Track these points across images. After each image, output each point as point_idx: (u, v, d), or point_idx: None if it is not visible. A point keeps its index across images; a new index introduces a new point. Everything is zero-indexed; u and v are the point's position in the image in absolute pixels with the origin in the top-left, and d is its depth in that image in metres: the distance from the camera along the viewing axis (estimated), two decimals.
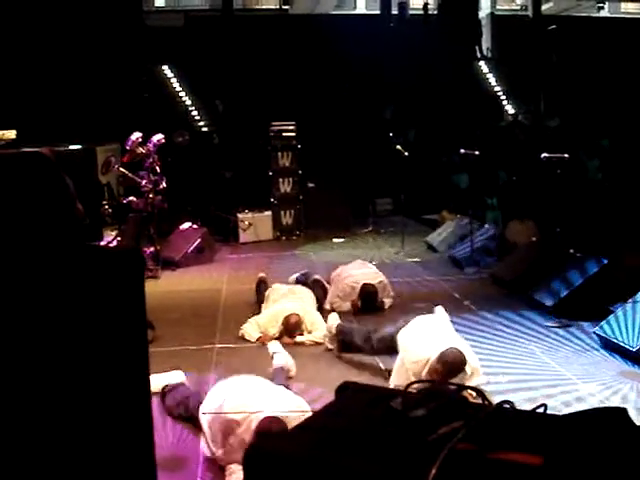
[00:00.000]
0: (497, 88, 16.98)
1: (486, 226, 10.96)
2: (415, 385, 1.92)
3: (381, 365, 6.17)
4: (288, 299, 7.45)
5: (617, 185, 10.61)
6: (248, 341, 7.05)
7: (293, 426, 1.94)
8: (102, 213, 9.88)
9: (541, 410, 1.82)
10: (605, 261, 7.67)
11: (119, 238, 9.09)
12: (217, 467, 4.49)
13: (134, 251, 2.40)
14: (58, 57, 13.11)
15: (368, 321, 7.20)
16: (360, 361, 6.35)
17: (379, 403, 1.88)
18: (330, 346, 6.59)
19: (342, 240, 12.88)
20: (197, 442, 4.85)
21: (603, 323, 6.66)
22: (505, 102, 16.95)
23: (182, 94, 15.34)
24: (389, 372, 5.71)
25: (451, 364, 5.03)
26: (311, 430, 1.84)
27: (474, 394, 1.84)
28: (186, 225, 11.69)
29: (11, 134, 10.99)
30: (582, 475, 1.46)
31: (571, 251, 8.28)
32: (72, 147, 11.69)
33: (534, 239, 9.78)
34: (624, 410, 1.76)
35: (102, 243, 9.16)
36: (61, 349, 2.30)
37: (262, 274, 8.67)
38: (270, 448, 1.75)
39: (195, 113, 15.39)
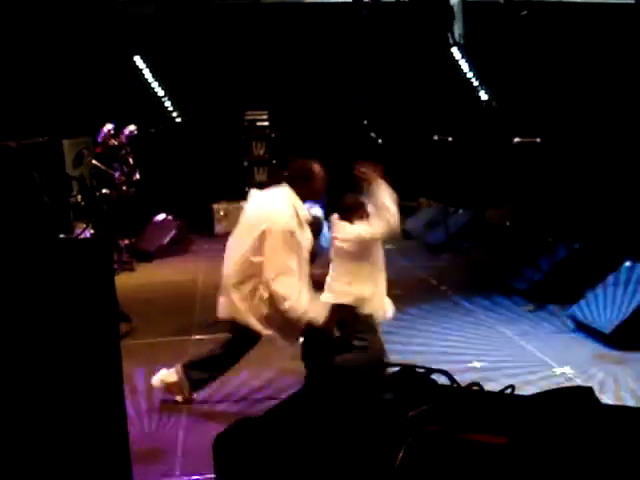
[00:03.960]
0: (469, 74, 17.01)
1: (460, 212, 11.02)
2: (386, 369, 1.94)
3: None
4: None
5: (590, 171, 10.70)
6: (225, 332, 7.02)
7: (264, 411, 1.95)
8: (71, 206, 9.78)
9: (509, 391, 1.85)
10: (577, 245, 7.75)
11: (92, 231, 9.02)
12: (196, 456, 4.48)
13: (100, 240, 2.39)
14: (27, 50, 12.93)
15: None
16: None
17: (350, 387, 1.89)
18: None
19: None
20: (175, 432, 4.85)
21: (576, 306, 6.73)
22: (478, 88, 16.99)
23: (155, 84, 15.20)
24: None
25: None
26: (282, 415, 1.85)
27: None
28: (161, 217, 11.63)
29: None
30: (546, 453, 1.49)
31: (544, 236, 8.37)
32: (37, 139, 11.52)
33: (508, 224, 9.86)
34: (590, 389, 1.79)
35: (73, 236, 9.08)
36: (29, 340, 2.29)
37: None
38: (240, 434, 1.75)
39: (168, 104, 15.27)
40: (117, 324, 2.65)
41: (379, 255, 5.59)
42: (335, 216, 5.57)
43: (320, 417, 1.78)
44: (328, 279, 5.68)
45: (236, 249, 4.99)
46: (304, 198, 4.82)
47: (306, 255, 4.98)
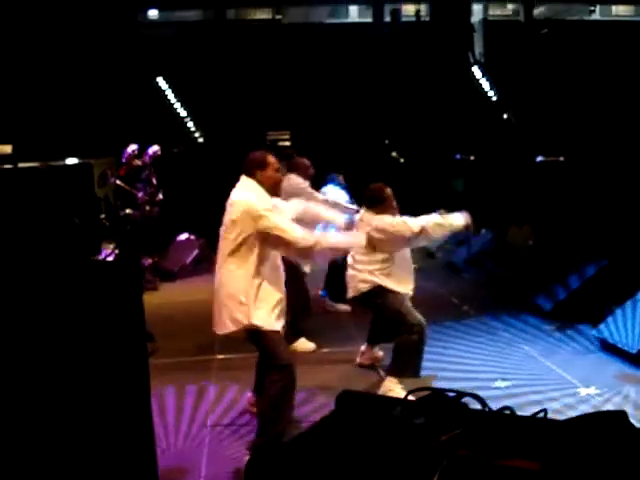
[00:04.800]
0: (490, 93, 17.03)
1: (483, 231, 10.99)
2: (415, 392, 1.94)
3: (382, 373, 6.18)
4: None
5: (616, 187, 10.64)
6: (248, 351, 7.01)
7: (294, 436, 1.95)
8: (100, 227, 9.90)
9: (541, 415, 1.83)
10: (603, 263, 7.69)
11: (117, 251, 9.09)
12: (219, 479, 4.49)
13: (131, 263, 2.42)
14: (53, 72, 13.14)
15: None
16: (360, 369, 6.37)
17: (379, 412, 1.89)
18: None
19: None
20: (199, 452, 4.86)
21: (601, 325, 6.67)
22: (498, 106, 16.99)
23: (177, 105, 15.36)
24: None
25: None
26: (313, 440, 1.85)
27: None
28: (184, 236, 11.70)
29: (7, 149, 11.00)
30: (580, 478, 1.48)
31: (568, 254, 8.31)
32: (68, 162, 11.70)
33: (531, 243, 9.81)
34: (624, 413, 1.77)
35: (100, 256, 9.16)
36: (59, 360, 2.31)
37: None
38: (273, 458, 1.76)
39: (191, 124, 15.42)
40: (145, 344, 2.68)
41: (405, 257, 5.78)
42: (363, 208, 6.01)
43: (351, 442, 1.78)
44: (350, 271, 5.84)
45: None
46: (263, 186, 4.73)
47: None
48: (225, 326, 4.70)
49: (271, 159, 4.84)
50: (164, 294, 9.87)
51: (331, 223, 5.85)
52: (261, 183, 4.70)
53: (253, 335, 4.62)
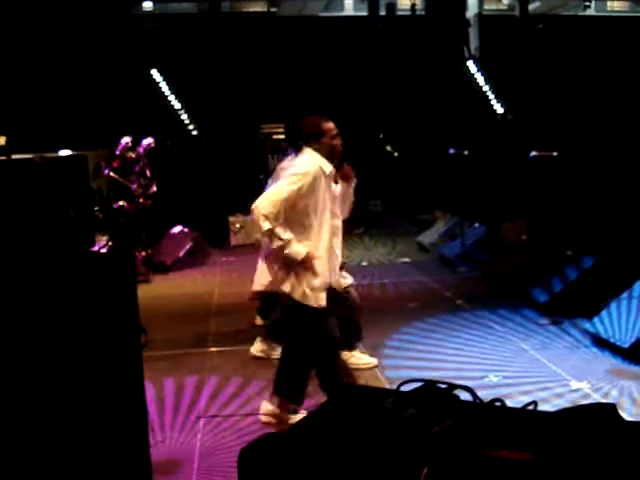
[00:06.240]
0: (485, 87, 17.04)
1: (476, 225, 11.01)
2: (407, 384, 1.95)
3: (374, 361, 6.19)
4: None
5: (608, 183, 10.67)
6: (241, 344, 7.03)
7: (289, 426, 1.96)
8: (93, 219, 9.89)
9: (531, 407, 1.85)
10: (595, 259, 7.71)
11: (110, 243, 9.08)
12: (213, 470, 4.49)
13: (125, 255, 2.43)
14: (47, 64, 13.09)
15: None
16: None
17: (372, 403, 1.90)
18: None
19: None
20: (192, 444, 4.86)
21: (593, 320, 6.69)
22: (493, 101, 17.01)
23: (171, 98, 15.33)
24: None
25: None
26: (306, 430, 1.86)
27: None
28: (177, 229, 11.70)
29: (1, 140, 10.98)
30: (572, 470, 1.49)
31: (562, 249, 8.33)
32: (63, 153, 11.69)
33: (524, 237, 9.83)
34: (613, 406, 1.79)
35: (94, 248, 9.14)
36: (54, 351, 2.32)
37: None
38: (265, 449, 1.77)
39: (185, 117, 15.38)
40: (139, 337, 2.68)
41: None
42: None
43: (343, 434, 1.79)
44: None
45: None
46: (322, 155, 4.70)
47: (327, 215, 4.68)
48: None
49: (326, 125, 4.80)
50: (157, 287, 9.87)
51: None
52: (320, 153, 4.66)
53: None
